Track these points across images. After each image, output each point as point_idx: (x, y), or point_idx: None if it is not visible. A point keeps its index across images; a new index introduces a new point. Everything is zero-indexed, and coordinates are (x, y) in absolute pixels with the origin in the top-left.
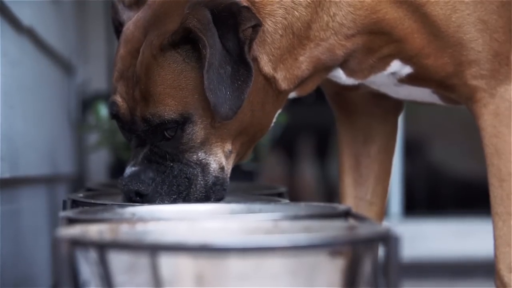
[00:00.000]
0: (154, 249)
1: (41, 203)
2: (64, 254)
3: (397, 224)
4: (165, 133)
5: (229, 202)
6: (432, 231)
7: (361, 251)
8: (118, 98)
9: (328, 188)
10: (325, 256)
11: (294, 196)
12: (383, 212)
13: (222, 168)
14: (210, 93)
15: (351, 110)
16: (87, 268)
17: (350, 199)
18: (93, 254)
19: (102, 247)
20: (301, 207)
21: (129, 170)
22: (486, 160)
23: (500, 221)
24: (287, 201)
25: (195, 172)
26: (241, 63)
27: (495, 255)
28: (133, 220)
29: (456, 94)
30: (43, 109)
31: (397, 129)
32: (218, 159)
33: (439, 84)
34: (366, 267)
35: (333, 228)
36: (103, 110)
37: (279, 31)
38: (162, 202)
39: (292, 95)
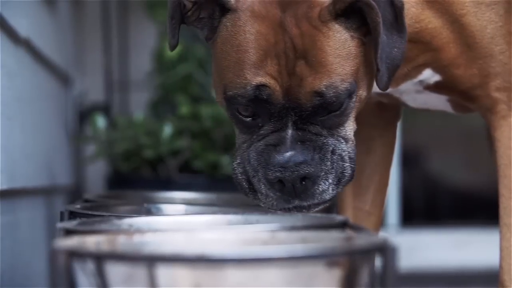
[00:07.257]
0: (151, 260)
1: (38, 215)
2: (62, 265)
3: (394, 234)
4: (332, 106)
5: (226, 213)
6: (430, 241)
7: (358, 262)
8: (269, 80)
9: None
10: (322, 267)
11: None
12: (381, 222)
13: (353, 143)
14: (380, 62)
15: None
16: (84, 279)
17: (349, 210)
18: (90, 265)
19: (100, 258)
20: (298, 218)
21: (282, 157)
22: (498, 170)
23: (508, 232)
24: None
25: (343, 148)
26: (394, 30)
27: (500, 266)
28: (131, 231)
29: (476, 105)
30: (40, 120)
31: (395, 139)
32: (351, 135)
33: (462, 94)
34: (363, 278)
35: (330, 239)
36: (100, 122)
37: None
38: (325, 180)
39: None
